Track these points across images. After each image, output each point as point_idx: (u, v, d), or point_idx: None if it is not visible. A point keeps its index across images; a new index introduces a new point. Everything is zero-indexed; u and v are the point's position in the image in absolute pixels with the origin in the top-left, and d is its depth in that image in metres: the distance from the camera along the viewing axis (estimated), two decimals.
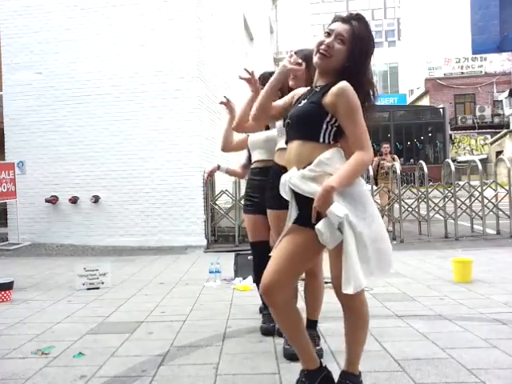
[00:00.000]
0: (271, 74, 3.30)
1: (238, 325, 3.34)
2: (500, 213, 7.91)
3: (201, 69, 8.31)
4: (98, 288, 4.69)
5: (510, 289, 4.12)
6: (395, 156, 9.67)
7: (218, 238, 8.08)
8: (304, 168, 1.93)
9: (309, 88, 2.15)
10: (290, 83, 2.64)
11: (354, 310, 1.99)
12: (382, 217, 8.67)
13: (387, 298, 3.91)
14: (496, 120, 31.98)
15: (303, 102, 2.05)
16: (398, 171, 7.95)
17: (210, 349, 2.84)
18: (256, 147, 3.13)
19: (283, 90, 2.43)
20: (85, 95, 8.26)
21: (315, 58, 2.01)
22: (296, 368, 2.51)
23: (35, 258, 7.16)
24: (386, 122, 31.42)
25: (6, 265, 6.53)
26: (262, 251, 2.93)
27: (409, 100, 40.67)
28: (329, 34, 1.98)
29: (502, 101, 30.64)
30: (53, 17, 8.37)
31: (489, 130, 31.75)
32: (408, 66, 46.25)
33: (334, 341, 2.89)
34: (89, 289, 4.68)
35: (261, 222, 3.01)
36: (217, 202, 7.92)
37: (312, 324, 2.76)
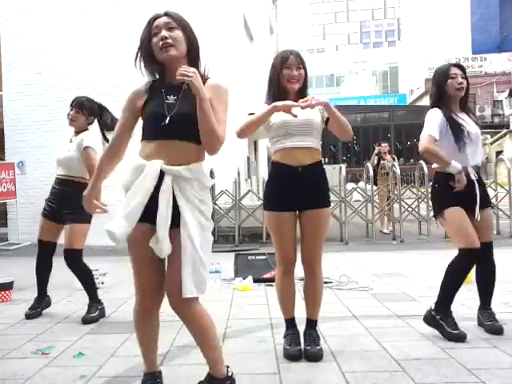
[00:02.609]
0: (89, 99, 3.85)
1: (238, 325, 3.33)
2: (500, 213, 7.91)
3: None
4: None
5: (510, 289, 4.12)
6: (395, 156, 9.67)
7: (217, 238, 8.06)
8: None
9: (150, 82, 2.23)
10: (288, 85, 2.65)
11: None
12: (382, 217, 8.69)
13: (387, 298, 3.92)
14: (496, 120, 31.96)
15: (171, 98, 2.04)
16: (398, 171, 7.95)
17: None
18: (60, 164, 3.81)
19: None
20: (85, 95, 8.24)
21: (163, 55, 2.01)
22: (296, 368, 2.52)
23: (35, 258, 7.14)
24: (385, 122, 31.45)
25: (5, 265, 6.52)
26: (46, 250, 3.81)
27: (409, 100, 40.68)
28: (156, 33, 2.04)
29: (502, 101, 30.64)
30: (53, 17, 8.36)
31: (489, 130, 31.70)
32: (408, 66, 46.28)
33: (333, 341, 2.90)
34: None
35: (55, 227, 3.72)
36: (217, 202, 7.92)
37: (311, 324, 2.75)
